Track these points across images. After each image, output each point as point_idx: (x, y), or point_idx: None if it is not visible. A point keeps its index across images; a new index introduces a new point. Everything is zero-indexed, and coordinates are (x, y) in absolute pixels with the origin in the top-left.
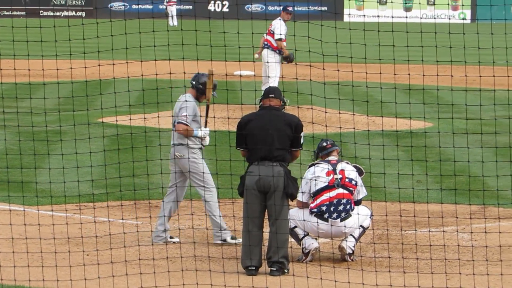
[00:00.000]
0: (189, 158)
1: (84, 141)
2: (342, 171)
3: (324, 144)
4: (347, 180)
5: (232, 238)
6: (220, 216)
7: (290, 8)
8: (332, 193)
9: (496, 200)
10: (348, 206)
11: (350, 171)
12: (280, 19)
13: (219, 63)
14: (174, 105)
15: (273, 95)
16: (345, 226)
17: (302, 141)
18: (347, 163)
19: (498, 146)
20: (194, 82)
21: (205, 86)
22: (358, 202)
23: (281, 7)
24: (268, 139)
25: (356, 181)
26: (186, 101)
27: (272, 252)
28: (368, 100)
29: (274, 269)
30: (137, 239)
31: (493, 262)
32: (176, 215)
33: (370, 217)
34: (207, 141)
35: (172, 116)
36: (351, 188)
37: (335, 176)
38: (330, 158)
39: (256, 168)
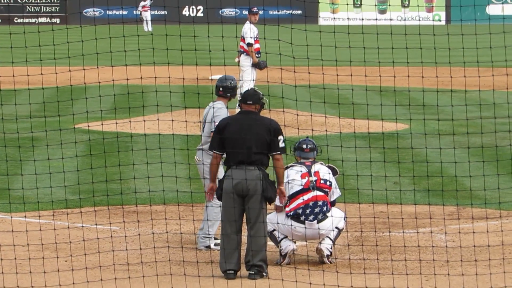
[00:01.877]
0: (203, 162)
1: (60, 147)
2: (317, 172)
3: (304, 146)
4: (322, 181)
5: (216, 245)
6: (212, 223)
7: (255, 9)
8: (308, 196)
9: (470, 201)
10: (324, 208)
11: (324, 173)
12: (248, 23)
13: (203, 68)
14: (204, 111)
15: (251, 102)
16: (320, 228)
17: (282, 145)
18: (321, 163)
19: (470, 147)
20: (222, 89)
21: (228, 89)
22: (332, 203)
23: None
24: (246, 143)
25: (330, 182)
26: (217, 108)
27: (250, 255)
28: (340, 102)
29: (253, 272)
30: (111, 244)
31: (468, 263)
32: (150, 219)
33: (344, 219)
34: None
35: (200, 122)
36: (326, 190)
37: (310, 178)
38: (304, 160)
39: (235, 172)
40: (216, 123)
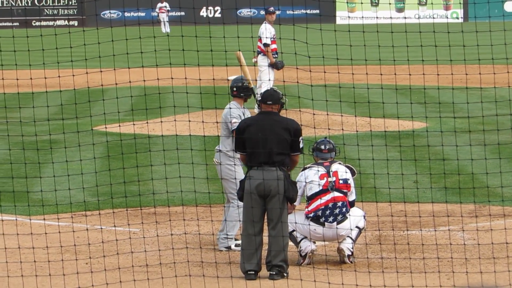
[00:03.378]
0: (221, 163)
1: (79, 149)
2: (335, 172)
3: (322, 147)
4: (341, 182)
5: (237, 245)
6: (233, 224)
7: (271, 9)
8: (327, 197)
9: (488, 198)
10: (344, 209)
11: (343, 172)
12: (265, 23)
13: (219, 69)
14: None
15: (271, 102)
16: (341, 229)
17: (301, 145)
18: (340, 163)
19: (487, 144)
20: (235, 89)
21: (242, 89)
22: (351, 204)
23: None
24: (267, 144)
25: (350, 182)
26: (231, 109)
27: (271, 256)
28: (357, 101)
29: (273, 273)
30: (130, 246)
31: (487, 260)
32: (168, 220)
33: (364, 218)
34: None
35: (217, 122)
36: (345, 190)
37: (329, 179)
38: (322, 160)
39: (256, 173)
40: (232, 123)
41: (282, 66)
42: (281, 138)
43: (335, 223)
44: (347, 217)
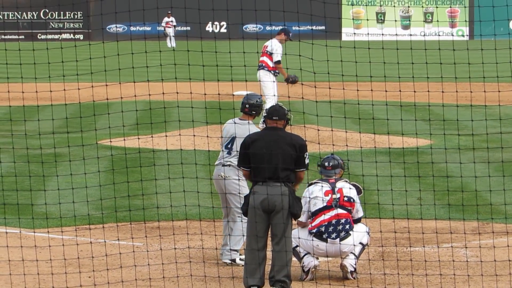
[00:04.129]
0: (226, 177)
1: (83, 163)
2: (340, 190)
3: (326, 164)
4: (345, 199)
5: (241, 259)
6: (238, 239)
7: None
8: (331, 213)
9: (491, 215)
10: (347, 226)
11: (348, 189)
12: (277, 40)
13: (224, 84)
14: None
15: (276, 117)
16: (344, 245)
17: (307, 161)
18: (346, 181)
19: (491, 162)
20: (248, 106)
21: (254, 107)
22: (357, 221)
23: (280, 28)
24: (272, 159)
25: (354, 199)
26: (234, 123)
27: (275, 271)
28: (361, 117)
29: None
30: (133, 260)
31: (489, 277)
32: (172, 234)
33: (368, 234)
34: None
35: (221, 137)
36: (349, 208)
37: (334, 196)
38: (327, 177)
39: (261, 188)
40: (238, 138)
41: (296, 81)
42: (286, 154)
43: (338, 239)
44: (350, 234)
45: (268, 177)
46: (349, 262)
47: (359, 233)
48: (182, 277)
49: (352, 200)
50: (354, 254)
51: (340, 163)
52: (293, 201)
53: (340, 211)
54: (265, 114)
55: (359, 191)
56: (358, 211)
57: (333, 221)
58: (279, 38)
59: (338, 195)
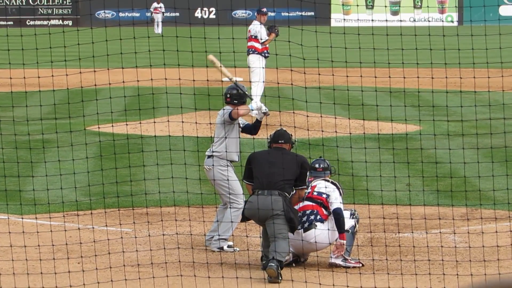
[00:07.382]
0: (213, 166)
1: (71, 149)
2: (313, 186)
3: (316, 165)
4: (315, 193)
5: (229, 246)
6: (228, 227)
7: (264, 9)
8: (297, 206)
9: (480, 202)
10: (311, 217)
11: (321, 187)
12: (258, 22)
13: (213, 70)
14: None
15: (282, 141)
16: (305, 237)
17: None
18: (326, 180)
19: (480, 148)
20: (228, 95)
21: (235, 96)
22: (336, 212)
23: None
24: (273, 173)
25: (327, 195)
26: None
27: (275, 252)
28: (350, 104)
29: (273, 264)
30: (122, 246)
31: (477, 263)
32: (160, 221)
33: (352, 217)
34: (263, 108)
35: (210, 123)
36: (319, 200)
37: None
38: (318, 178)
39: (255, 198)
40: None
41: (278, 30)
42: (288, 168)
43: (301, 230)
44: (315, 225)
45: (266, 188)
46: (338, 262)
47: (323, 231)
48: (170, 263)
49: (323, 195)
50: (344, 257)
51: (329, 167)
52: (287, 207)
53: (306, 203)
54: (270, 139)
55: (337, 188)
56: (333, 204)
57: (299, 213)
58: (258, 20)
59: (309, 190)
